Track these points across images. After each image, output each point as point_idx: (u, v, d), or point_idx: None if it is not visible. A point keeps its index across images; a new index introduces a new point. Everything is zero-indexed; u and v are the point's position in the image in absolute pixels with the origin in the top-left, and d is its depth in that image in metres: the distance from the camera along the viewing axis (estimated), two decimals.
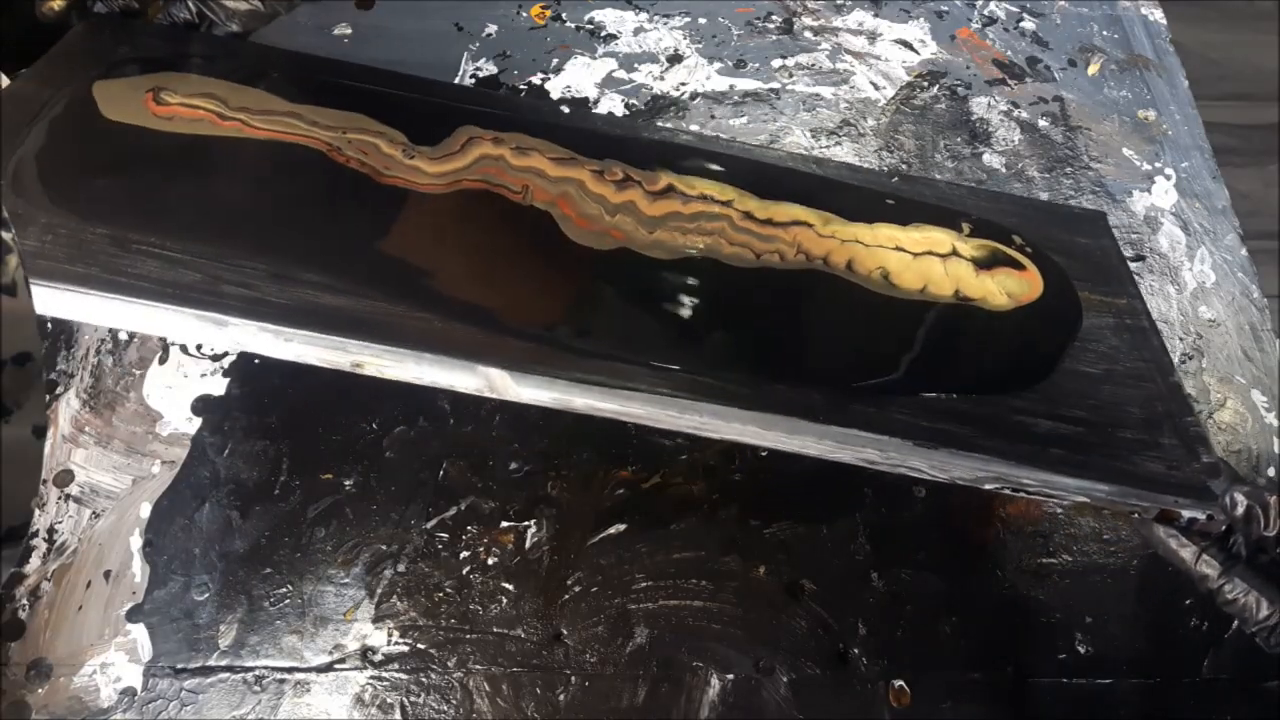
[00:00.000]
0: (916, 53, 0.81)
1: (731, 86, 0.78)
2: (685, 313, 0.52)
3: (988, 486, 0.49)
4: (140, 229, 0.50)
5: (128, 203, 0.52)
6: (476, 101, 0.62)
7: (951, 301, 0.55)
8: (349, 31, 0.81)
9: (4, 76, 0.68)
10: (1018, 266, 0.58)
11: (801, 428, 0.48)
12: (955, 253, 0.58)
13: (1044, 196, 0.72)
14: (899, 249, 0.57)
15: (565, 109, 0.63)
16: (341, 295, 0.48)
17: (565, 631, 0.55)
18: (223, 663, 0.54)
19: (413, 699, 0.53)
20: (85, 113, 0.55)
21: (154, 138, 0.54)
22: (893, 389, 0.50)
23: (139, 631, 0.54)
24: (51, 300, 0.49)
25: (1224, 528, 0.46)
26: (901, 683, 0.53)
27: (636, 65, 0.79)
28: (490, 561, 0.57)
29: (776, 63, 0.80)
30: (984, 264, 0.57)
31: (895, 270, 0.56)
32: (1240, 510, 0.45)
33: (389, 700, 0.53)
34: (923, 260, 0.57)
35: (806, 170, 0.61)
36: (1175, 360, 0.66)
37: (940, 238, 0.58)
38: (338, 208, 0.53)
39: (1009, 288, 0.57)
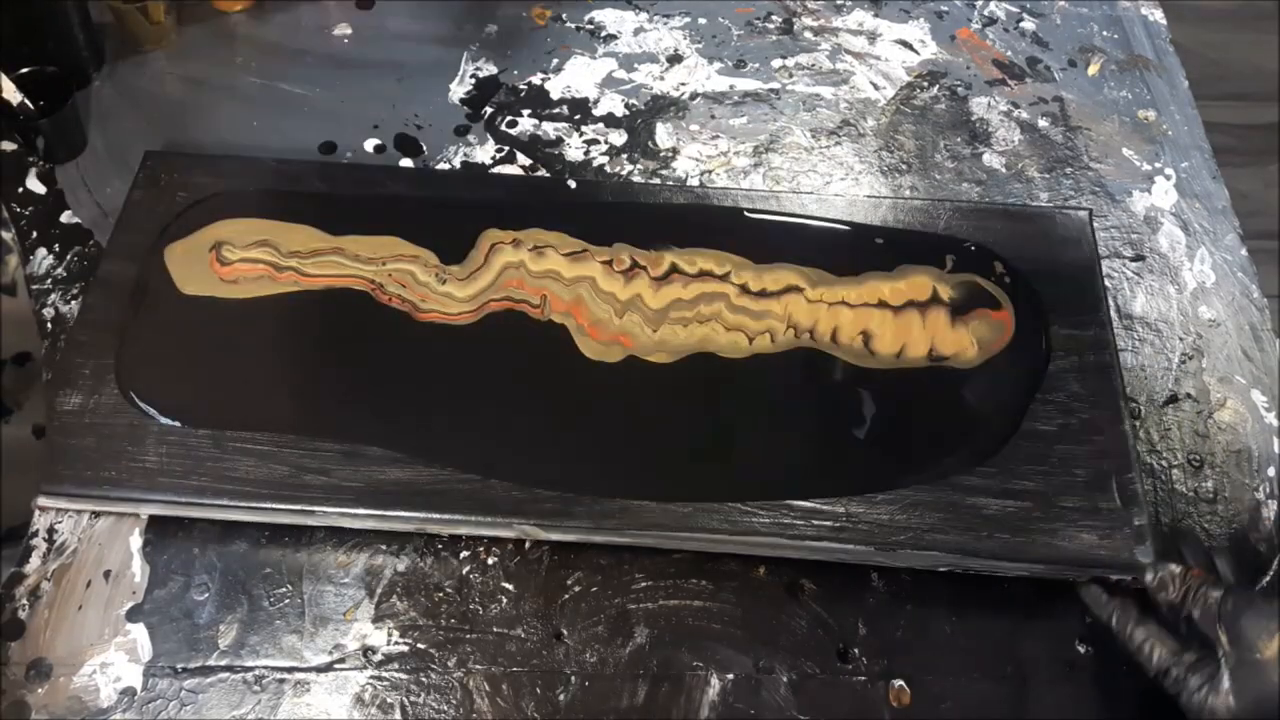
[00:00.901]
0: (916, 53, 0.81)
1: (731, 86, 0.78)
2: (684, 434, 0.58)
3: (940, 569, 0.55)
4: (233, 423, 0.57)
5: (219, 395, 0.59)
6: (491, 189, 0.69)
7: (924, 365, 0.60)
8: (349, 31, 0.81)
9: (4, 76, 0.68)
10: (995, 304, 0.63)
11: (782, 544, 0.55)
12: (935, 298, 0.63)
13: (1044, 197, 0.72)
14: (882, 304, 0.62)
15: (573, 183, 0.68)
16: (401, 467, 0.56)
17: (565, 631, 0.55)
18: (223, 663, 0.54)
19: (413, 699, 0.53)
20: (166, 293, 0.62)
21: (227, 311, 0.61)
22: (863, 490, 0.56)
23: (139, 631, 0.54)
24: (169, 508, 0.56)
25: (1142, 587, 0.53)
26: (901, 683, 0.53)
27: (636, 65, 0.79)
28: (490, 561, 0.57)
29: (776, 63, 0.80)
30: (961, 308, 0.62)
31: (876, 332, 0.61)
32: (1154, 582, 0.51)
33: (389, 700, 0.53)
34: (903, 316, 0.62)
35: (803, 220, 0.67)
36: (1175, 360, 0.66)
37: (922, 281, 0.63)
38: (387, 360, 0.60)
39: (981, 336, 0.61)
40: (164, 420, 0.57)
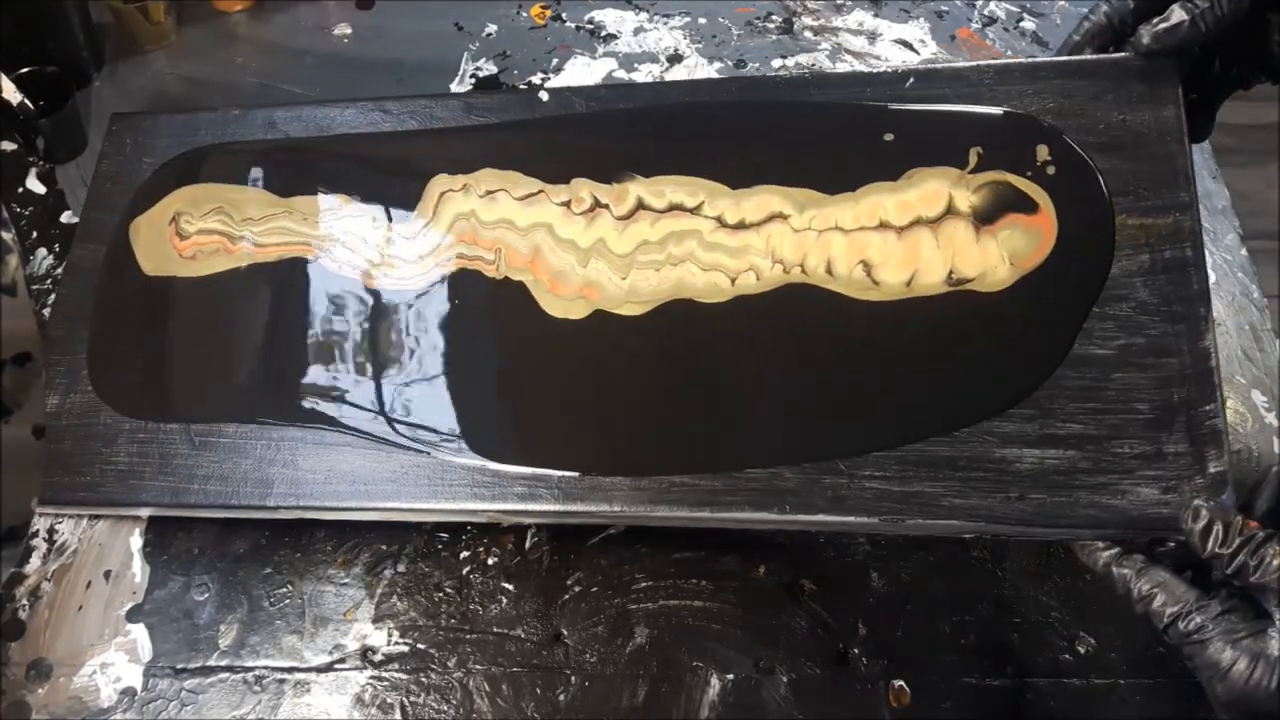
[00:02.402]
0: (916, 53, 0.81)
1: None
2: (659, 399, 0.52)
3: (966, 536, 0.50)
4: (200, 415, 0.56)
5: (182, 386, 0.58)
6: (452, 114, 0.61)
7: (942, 292, 0.50)
8: (349, 31, 0.81)
9: (4, 77, 0.68)
10: (1030, 207, 0.50)
11: (770, 519, 0.49)
12: (951, 209, 0.51)
13: None
14: (884, 225, 0.52)
15: (544, 94, 0.60)
16: (362, 454, 0.54)
17: (565, 631, 0.55)
18: (223, 663, 0.54)
19: (413, 699, 0.53)
20: (131, 276, 0.61)
21: (186, 292, 0.60)
22: (868, 448, 0.48)
23: (139, 631, 0.54)
24: (141, 510, 0.57)
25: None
26: (901, 683, 0.53)
27: (636, 65, 0.79)
28: (490, 561, 0.57)
29: (776, 63, 0.80)
30: (986, 216, 0.51)
31: (878, 261, 0.51)
32: (1200, 524, 0.42)
33: (389, 700, 0.53)
34: (909, 237, 0.51)
35: (797, 101, 0.56)
36: None
37: (936, 190, 0.52)
38: (338, 335, 0.57)
39: (1013, 248, 0.50)
40: (133, 418, 0.57)
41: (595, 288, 0.54)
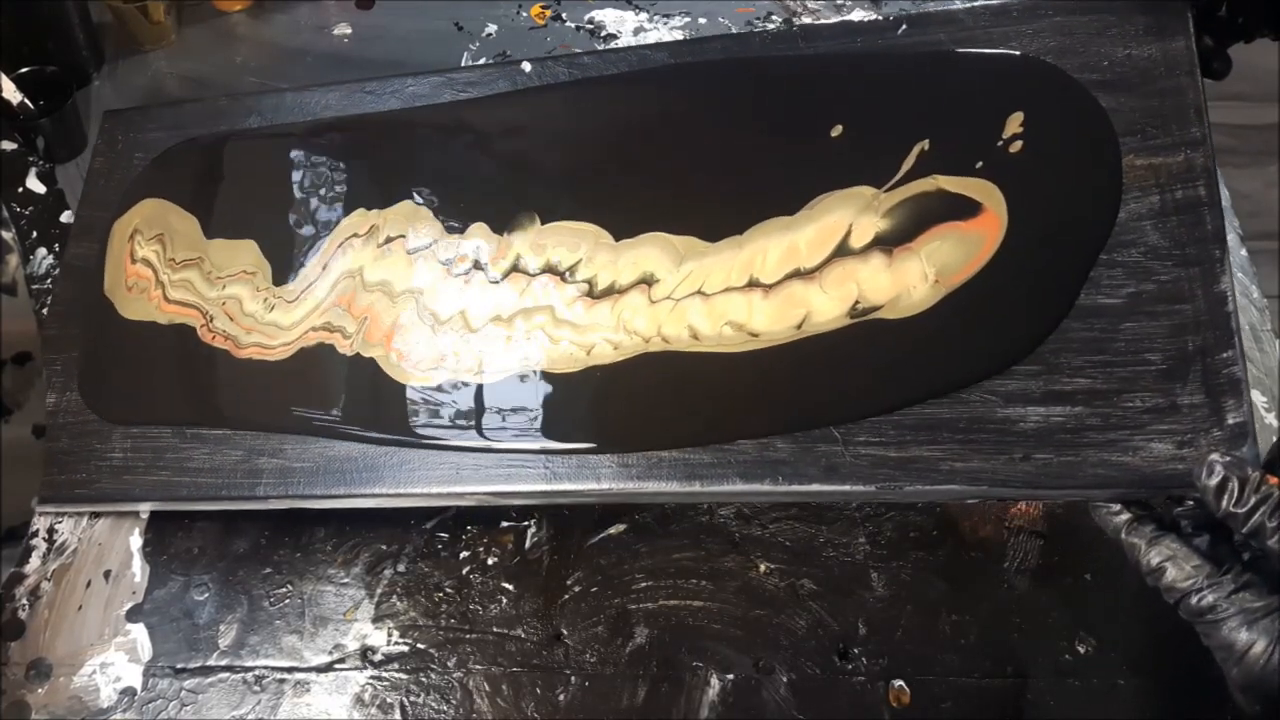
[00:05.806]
0: None
1: None
2: (642, 378, 0.50)
3: (970, 501, 0.48)
4: (186, 415, 0.57)
5: (167, 392, 0.58)
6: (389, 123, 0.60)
7: (842, 325, 0.47)
8: (349, 31, 0.81)
9: (4, 76, 0.68)
10: (967, 211, 0.46)
11: (762, 489, 0.47)
12: (844, 248, 0.47)
13: None
14: (752, 284, 0.48)
15: (527, 65, 0.57)
16: (348, 443, 0.53)
17: (565, 631, 0.55)
18: (223, 663, 0.54)
19: (413, 699, 0.53)
20: (96, 289, 0.62)
21: (121, 327, 0.60)
22: (863, 413, 0.46)
23: (139, 631, 0.54)
24: (137, 505, 0.57)
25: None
26: (901, 683, 0.53)
27: None
28: (490, 561, 0.57)
29: None
30: (903, 234, 0.47)
31: (744, 320, 0.48)
32: (1215, 480, 0.39)
33: (389, 700, 0.53)
34: (782, 293, 0.48)
35: (784, 54, 0.53)
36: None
37: (834, 225, 0.48)
38: (212, 408, 0.57)
39: (942, 261, 0.46)
40: (113, 423, 0.57)
41: (451, 355, 0.54)
